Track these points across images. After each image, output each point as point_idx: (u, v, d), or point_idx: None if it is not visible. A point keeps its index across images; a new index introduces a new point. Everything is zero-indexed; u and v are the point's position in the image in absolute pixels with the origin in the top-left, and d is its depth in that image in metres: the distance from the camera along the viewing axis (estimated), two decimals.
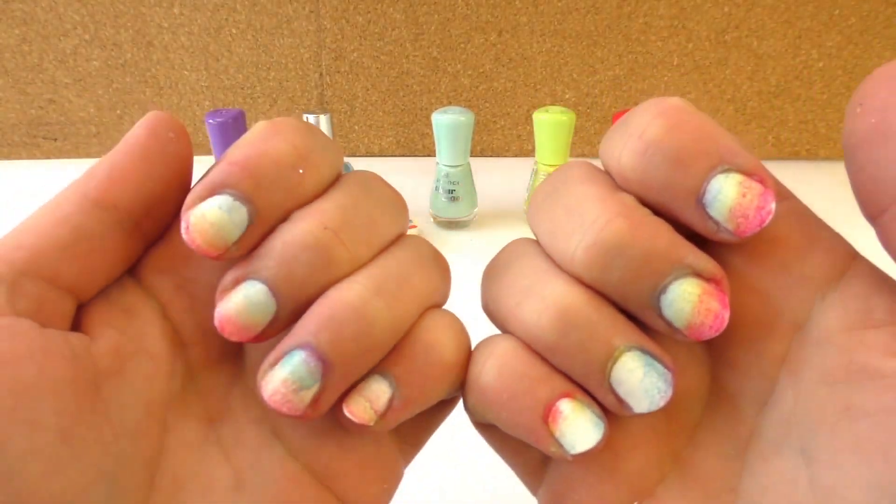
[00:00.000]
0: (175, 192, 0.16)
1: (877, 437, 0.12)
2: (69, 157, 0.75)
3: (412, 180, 0.67)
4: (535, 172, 0.61)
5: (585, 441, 0.15)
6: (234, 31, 0.71)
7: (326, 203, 0.16)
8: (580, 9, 0.70)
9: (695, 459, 0.16)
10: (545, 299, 0.15)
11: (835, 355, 0.14)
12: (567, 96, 0.74)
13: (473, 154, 0.61)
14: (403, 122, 0.76)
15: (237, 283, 0.15)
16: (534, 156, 0.61)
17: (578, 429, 0.15)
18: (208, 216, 0.15)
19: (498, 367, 0.16)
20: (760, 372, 0.15)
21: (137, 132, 0.16)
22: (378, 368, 0.16)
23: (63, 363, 0.13)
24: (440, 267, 0.18)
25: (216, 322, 0.15)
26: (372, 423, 0.15)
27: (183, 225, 0.15)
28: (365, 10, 0.70)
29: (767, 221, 0.14)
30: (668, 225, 0.15)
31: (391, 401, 0.15)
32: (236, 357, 0.18)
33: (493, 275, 0.17)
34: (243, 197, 0.15)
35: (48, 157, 0.75)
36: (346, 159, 0.65)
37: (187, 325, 0.17)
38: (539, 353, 0.15)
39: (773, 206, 0.14)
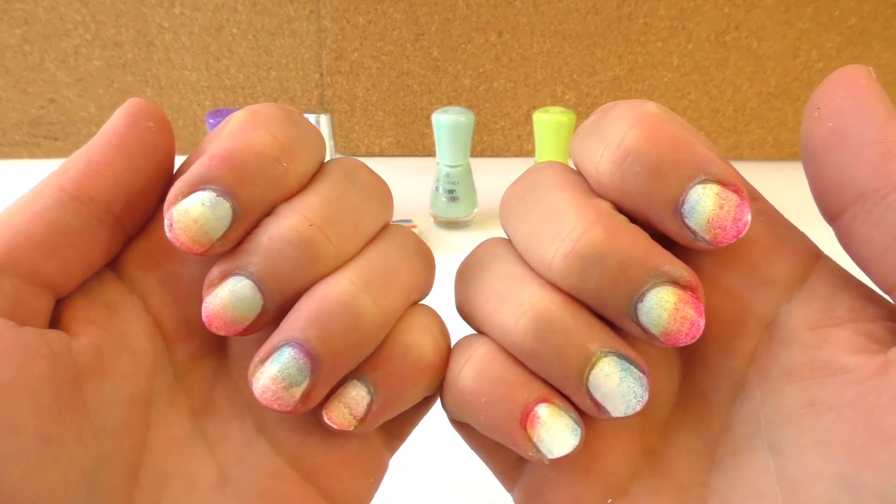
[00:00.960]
0: (156, 184, 0.16)
1: (840, 431, 0.13)
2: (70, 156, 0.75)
3: (412, 180, 0.67)
4: None
5: (563, 446, 0.15)
6: (234, 31, 0.71)
7: (311, 197, 0.16)
8: (580, 9, 0.70)
9: (667, 455, 0.16)
10: (522, 304, 0.15)
11: (799, 353, 0.14)
12: (567, 97, 0.74)
13: (473, 154, 0.61)
14: (404, 122, 0.76)
15: (224, 277, 0.15)
16: (534, 156, 0.61)
17: (556, 434, 0.15)
18: (191, 213, 0.14)
19: (476, 370, 0.16)
20: (729, 369, 0.15)
21: (116, 122, 0.16)
22: (356, 373, 0.16)
23: (42, 362, 0.13)
24: (425, 259, 0.18)
25: (203, 317, 0.15)
26: (352, 428, 0.16)
27: (166, 222, 0.15)
28: (365, 11, 0.70)
29: (744, 232, 0.14)
30: (644, 233, 0.15)
31: (370, 406, 0.16)
32: (220, 351, 0.18)
33: (466, 277, 0.17)
34: (226, 192, 0.14)
35: (49, 157, 0.75)
36: None
37: (170, 319, 0.16)
38: (516, 357, 0.15)
39: (748, 217, 0.14)
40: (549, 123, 0.58)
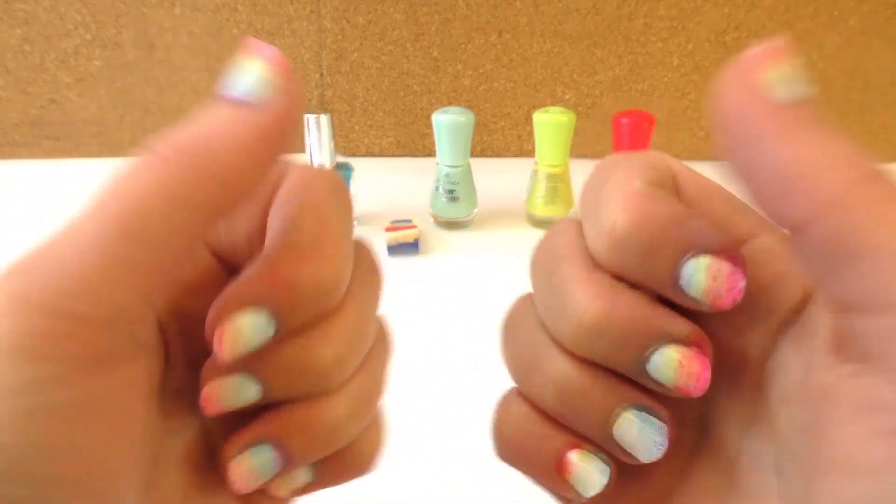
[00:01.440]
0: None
1: (837, 455, 0.13)
2: (70, 156, 0.75)
3: (412, 180, 0.67)
4: (535, 173, 0.62)
5: (596, 485, 0.17)
6: (235, 31, 0.71)
7: (338, 328, 0.17)
8: (580, 10, 0.70)
9: (684, 492, 0.17)
10: (545, 375, 0.17)
11: (797, 379, 0.15)
12: (567, 97, 0.74)
13: (473, 154, 0.61)
14: (404, 123, 0.76)
15: (231, 372, 0.16)
16: (534, 156, 0.61)
17: (588, 475, 0.17)
18: (243, 332, 0.15)
19: (512, 430, 0.18)
20: (739, 400, 0.16)
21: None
22: None
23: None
24: (391, 353, 0.20)
25: (202, 401, 0.16)
26: (280, 494, 0.18)
27: (217, 333, 0.15)
28: (365, 11, 0.70)
29: (740, 298, 0.15)
30: (644, 297, 0.16)
31: (307, 486, 0.18)
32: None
33: (504, 338, 0.19)
34: (277, 317, 0.15)
35: (50, 157, 0.75)
36: (346, 159, 0.66)
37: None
38: (548, 413, 0.17)
39: (743, 283, 0.14)
40: (549, 123, 0.58)
